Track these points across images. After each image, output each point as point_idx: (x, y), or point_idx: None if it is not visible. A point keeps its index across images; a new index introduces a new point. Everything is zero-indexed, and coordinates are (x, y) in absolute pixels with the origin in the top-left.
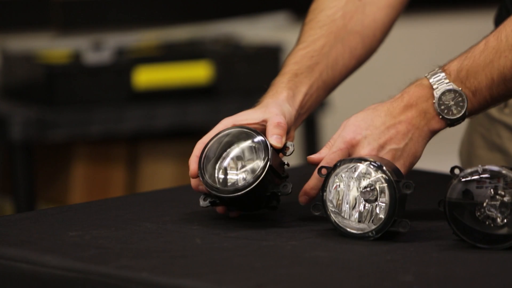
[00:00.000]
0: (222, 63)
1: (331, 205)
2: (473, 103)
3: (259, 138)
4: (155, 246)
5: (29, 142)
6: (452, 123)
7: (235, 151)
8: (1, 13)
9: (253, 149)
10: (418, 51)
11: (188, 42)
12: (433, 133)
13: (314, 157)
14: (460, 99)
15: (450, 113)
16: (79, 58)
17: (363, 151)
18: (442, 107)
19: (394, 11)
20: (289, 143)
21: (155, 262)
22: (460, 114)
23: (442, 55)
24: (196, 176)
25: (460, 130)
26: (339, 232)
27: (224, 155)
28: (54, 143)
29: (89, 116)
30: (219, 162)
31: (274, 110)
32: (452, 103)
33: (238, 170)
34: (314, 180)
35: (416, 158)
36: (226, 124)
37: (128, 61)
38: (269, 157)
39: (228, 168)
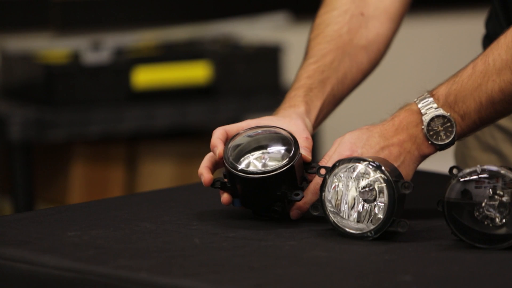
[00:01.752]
0: (221, 63)
1: (330, 205)
2: (462, 127)
3: (292, 143)
4: (154, 246)
5: (28, 142)
6: (441, 147)
7: (266, 148)
8: (0, 13)
9: (284, 151)
10: (418, 52)
11: (187, 42)
12: (424, 157)
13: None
14: (448, 124)
15: (439, 138)
16: (78, 58)
17: None
18: (431, 132)
19: (395, 24)
20: (315, 164)
21: (154, 262)
22: (449, 140)
23: (442, 55)
24: (220, 157)
25: None
26: (338, 232)
27: (254, 148)
28: (53, 143)
29: (88, 116)
30: (247, 153)
31: (300, 123)
32: (441, 128)
33: (261, 162)
34: (309, 196)
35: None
36: (248, 123)
37: (127, 61)
38: (296, 157)
39: (253, 159)
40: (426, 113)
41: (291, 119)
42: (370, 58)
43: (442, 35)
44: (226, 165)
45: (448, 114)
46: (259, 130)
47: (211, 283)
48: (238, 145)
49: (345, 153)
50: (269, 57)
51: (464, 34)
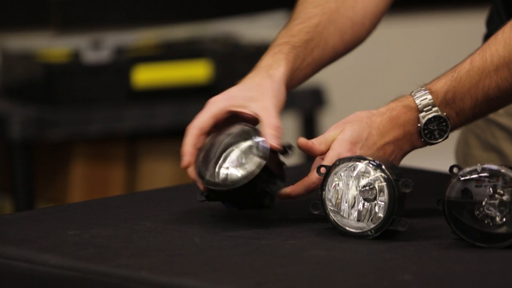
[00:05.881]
0: (221, 62)
1: (330, 204)
2: (455, 123)
3: (258, 138)
4: (154, 245)
5: (28, 141)
6: (432, 144)
7: (235, 151)
8: (1, 12)
9: (253, 148)
10: (417, 51)
11: (187, 41)
12: (413, 150)
13: (305, 143)
14: (444, 124)
15: (433, 137)
16: (78, 57)
17: None
18: (426, 131)
19: (383, 4)
20: (288, 144)
21: (154, 261)
22: (442, 139)
23: (442, 55)
24: (187, 166)
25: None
26: (338, 231)
27: (224, 155)
28: (53, 142)
29: (88, 115)
30: (220, 161)
31: (269, 98)
32: (435, 128)
33: (238, 168)
34: (299, 188)
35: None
36: (219, 106)
37: (127, 60)
38: (265, 156)
39: (228, 166)
40: (423, 112)
41: (261, 89)
42: (354, 30)
43: (443, 34)
44: (203, 183)
45: (445, 114)
46: (227, 133)
47: (211, 282)
48: (208, 157)
49: (344, 154)
50: None
51: (465, 33)
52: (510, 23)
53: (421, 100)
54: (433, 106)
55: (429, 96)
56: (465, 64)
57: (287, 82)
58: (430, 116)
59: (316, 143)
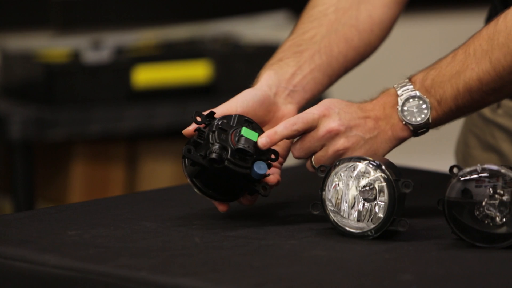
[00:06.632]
0: (221, 62)
1: (330, 204)
2: (438, 112)
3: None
4: (154, 245)
5: (28, 141)
6: (415, 130)
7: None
8: (1, 12)
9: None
10: (417, 51)
11: (187, 41)
12: (398, 140)
13: (267, 140)
14: (424, 106)
15: (413, 119)
16: (78, 57)
17: (332, 123)
18: (405, 113)
19: (391, 11)
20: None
21: (154, 261)
22: (423, 121)
23: (443, 54)
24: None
25: (456, 130)
26: (338, 231)
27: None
28: (53, 142)
29: (88, 115)
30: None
31: (226, 104)
32: (415, 110)
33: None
34: (283, 130)
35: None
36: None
37: (127, 60)
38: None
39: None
40: (402, 95)
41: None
42: (361, 37)
43: (443, 34)
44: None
45: (424, 96)
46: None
47: (212, 282)
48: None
49: (319, 109)
50: (269, 56)
51: (465, 33)
52: (494, 20)
53: (401, 86)
54: (412, 90)
55: (408, 82)
56: (448, 57)
57: (281, 87)
58: (407, 95)
59: (279, 127)
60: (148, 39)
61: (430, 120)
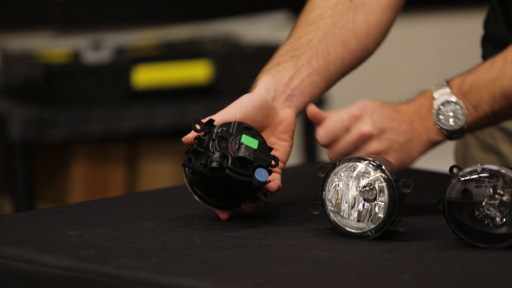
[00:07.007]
0: (221, 63)
1: (330, 204)
2: (473, 117)
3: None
4: (154, 245)
5: (29, 141)
6: (450, 135)
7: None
8: (1, 12)
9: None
10: (417, 51)
11: (188, 42)
12: (432, 143)
13: (314, 110)
14: (460, 111)
15: (448, 124)
16: (78, 57)
17: (365, 126)
18: (441, 116)
19: (388, 15)
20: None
21: (154, 261)
22: (458, 126)
23: (442, 55)
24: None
25: None
26: (338, 232)
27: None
28: (53, 143)
29: (89, 115)
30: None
31: (225, 110)
32: (451, 114)
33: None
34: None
35: (410, 160)
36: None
37: (128, 60)
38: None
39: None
40: (438, 98)
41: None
42: (359, 41)
43: (441, 35)
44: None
45: (461, 101)
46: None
47: (212, 282)
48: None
49: (355, 110)
50: (269, 56)
51: (465, 34)
52: None
53: (438, 89)
54: (449, 95)
55: (446, 86)
56: (486, 64)
57: (279, 91)
58: (443, 100)
59: (325, 112)
60: (148, 39)
61: (465, 126)
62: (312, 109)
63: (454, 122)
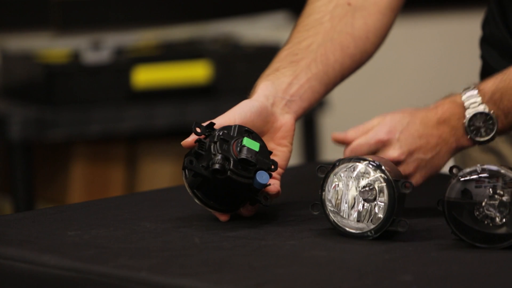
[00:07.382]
0: (221, 63)
1: (330, 205)
2: (504, 124)
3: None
4: (154, 245)
5: (28, 141)
6: (480, 143)
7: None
8: (1, 13)
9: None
10: (415, 52)
11: (187, 42)
12: (460, 149)
13: (339, 136)
14: (490, 122)
15: (479, 135)
16: (78, 57)
17: (392, 153)
18: (472, 128)
19: (386, 18)
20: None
21: (154, 261)
22: (489, 137)
23: (440, 56)
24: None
25: None
26: (338, 232)
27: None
28: (53, 143)
29: (88, 115)
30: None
31: (225, 115)
32: (482, 125)
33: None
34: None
35: (437, 171)
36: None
37: (127, 60)
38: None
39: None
40: (469, 108)
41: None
42: (357, 44)
43: (439, 35)
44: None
45: (492, 111)
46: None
47: (211, 283)
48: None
49: (382, 134)
50: (269, 56)
51: (465, 35)
52: None
53: (468, 97)
54: (480, 103)
55: (477, 94)
56: None
57: (278, 97)
58: (475, 111)
59: (351, 132)
60: (148, 40)
61: (496, 135)
62: (336, 135)
63: (485, 133)
